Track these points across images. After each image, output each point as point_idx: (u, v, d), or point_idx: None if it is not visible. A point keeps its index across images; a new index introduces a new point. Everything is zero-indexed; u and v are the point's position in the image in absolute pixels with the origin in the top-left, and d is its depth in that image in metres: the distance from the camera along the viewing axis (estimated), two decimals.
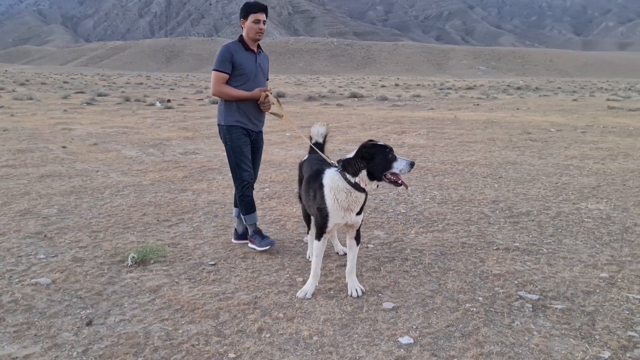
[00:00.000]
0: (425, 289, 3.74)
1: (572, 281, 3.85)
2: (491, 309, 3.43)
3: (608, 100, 25.58)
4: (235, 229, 4.76)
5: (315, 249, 3.62)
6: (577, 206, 5.88)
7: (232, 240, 4.78)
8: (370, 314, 3.37)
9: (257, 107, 4.43)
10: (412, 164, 3.35)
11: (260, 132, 4.64)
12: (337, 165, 3.50)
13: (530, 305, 3.46)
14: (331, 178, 3.44)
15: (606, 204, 5.95)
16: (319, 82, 58.48)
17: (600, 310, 3.40)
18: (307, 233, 4.32)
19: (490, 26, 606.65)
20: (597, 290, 3.69)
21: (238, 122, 4.38)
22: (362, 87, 40.43)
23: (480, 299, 3.58)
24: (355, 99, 26.74)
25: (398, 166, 3.32)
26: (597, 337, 3.06)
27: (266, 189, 6.87)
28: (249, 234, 4.58)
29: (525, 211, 5.69)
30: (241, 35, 4.42)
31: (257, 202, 6.07)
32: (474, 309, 3.41)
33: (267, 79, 4.66)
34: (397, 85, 48.11)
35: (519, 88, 44.27)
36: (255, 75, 4.39)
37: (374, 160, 3.32)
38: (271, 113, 4.56)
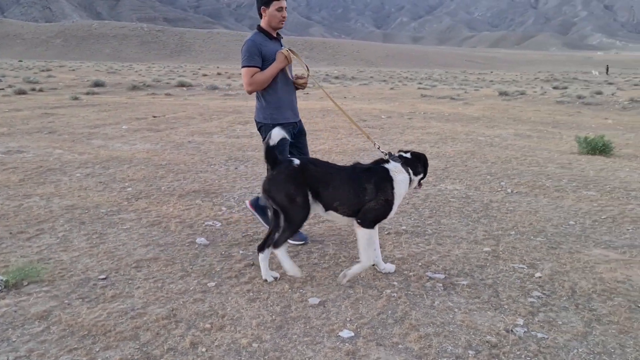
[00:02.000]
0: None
1: (465, 257, 4.21)
2: (409, 292, 3.59)
3: (419, 89, 28.42)
4: (257, 197, 4.58)
5: (374, 235, 3.67)
6: (439, 188, 6.45)
7: (246, 203, 4.75)
8: (300, 311, 3.29)
9: (293, 95, 4.34)
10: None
11: (300, 120, 4.46)
12: (391, 158, 3.78)
13: (441, 285, 3.70)
14: (399, 171, 3.71)
15: (461, 184, 6.62)
16: (134, 70, 54.96)
17: (498, 281, 3.78)
18: (277, 246, 3.63)
19: (300, 17, 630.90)
20: (488, 264, 4.10)
21: (285, 118, 4.19)
22: (183, 76, 39.05)
23: (396, 283, 3.72)
24: (185, 88, 25.75)
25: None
26: (505, 307, 3.40)
27: (128, 188, 6.26)
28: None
29: None
30: (259, 26, 4.22)
31: (123, 203, 5.55)
32: (395, 295, 3.54)
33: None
34: (219, 74, 47.45)
35: (337, 77, 46.88)
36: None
37: (425, 169, 3.94)
38: (300, 85, 4.35)
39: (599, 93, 23.92)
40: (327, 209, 3.65)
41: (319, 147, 9.30)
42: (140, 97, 20.66)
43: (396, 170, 3.70)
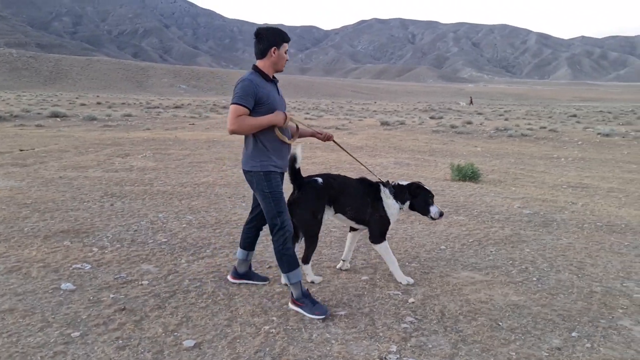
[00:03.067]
0: (219, 318, 3.66)
1: (344, 287, 4.29)
2: (288, 327, 3.57)
3: (306, 119, 29.01)
4: (235, 267, 4.38)
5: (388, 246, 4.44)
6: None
7: (229, 278, 4.40)
8: (174, 356, 3.14)
9: (285, 145, 3.97)
10: (441, 214, 4.55)
11: None
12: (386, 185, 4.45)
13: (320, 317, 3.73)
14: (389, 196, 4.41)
15: None
16: (0, 99, 50.65)
17: (374, 310, 3.88)
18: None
19: (187, 46, 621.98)
20: (365, 293, 4.20)
21: (276, 167, 3.87)
22: (57, 105, 36.60)
23: (275, 318, 3.69)
24: (59, 119, 24.06)
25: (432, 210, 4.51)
26: (381, 334, 3.50)
27: None
28: (295, 296, 3.88)
29: None
30: (257, 66, 3.91)
31: None
32: (274, 330, 3.50)
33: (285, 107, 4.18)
34: (99, 103, 45.13)
35: (224, 107, 46.54)
36: (279, 106, 3.93)
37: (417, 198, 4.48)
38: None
39: (469, 123, 26.02)
40: (336, 212, 4.32)
41: (202, 180, 9.11)
42: (5, 128, 18.99)
43: (386, 193, 4.38)
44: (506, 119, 32.19)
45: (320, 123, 25.52)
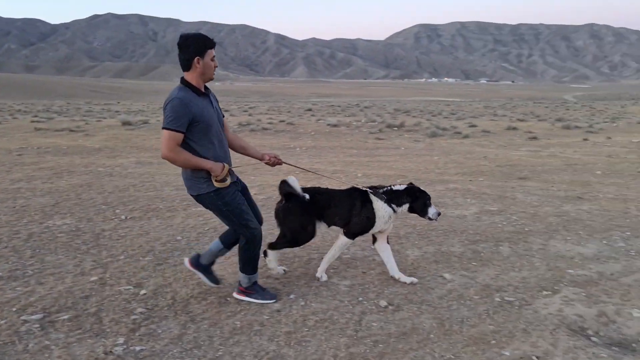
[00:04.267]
0: None
1: (69, 291, 4.06)
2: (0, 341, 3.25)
3: (33, 122, 25.90)
4: (199, 254, 4.10)
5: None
6: (46, 225, 6.01)
7: (186, 262, 4.09)
8: None
9: (228, 152, 3.87)
10: (439, 214, 4.44)
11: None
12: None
13: (38, 325, 3.48)
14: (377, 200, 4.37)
15: (71, 218, 6.33)
16: None
17: (102, 308, 3.78)
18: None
19: None
20: (93, 293, 4.05)
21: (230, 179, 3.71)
22: None
23: None
24: None
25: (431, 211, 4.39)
26: (108, 330, 3.44)
27: None
28: (244, 286, 3.96)
29: None
30: (184, 79, 3.57)
31: None
32: None
33: (223, 116, 3.91)
34: None
35: None
36: (214, 121, 3.64)
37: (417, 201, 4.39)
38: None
39: None
40: (329, 225, 4.42)
41: None
42: None
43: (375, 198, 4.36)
44: (250, 115, 33.77)
45: (52, 126, 23.13)
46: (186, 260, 4.12)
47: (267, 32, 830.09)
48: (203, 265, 4.07)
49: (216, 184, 3.62)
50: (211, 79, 3.68)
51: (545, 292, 4.28)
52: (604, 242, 5.79)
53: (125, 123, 22.89)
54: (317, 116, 32.46)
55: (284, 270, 4.65)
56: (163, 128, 3.45)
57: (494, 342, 3.41)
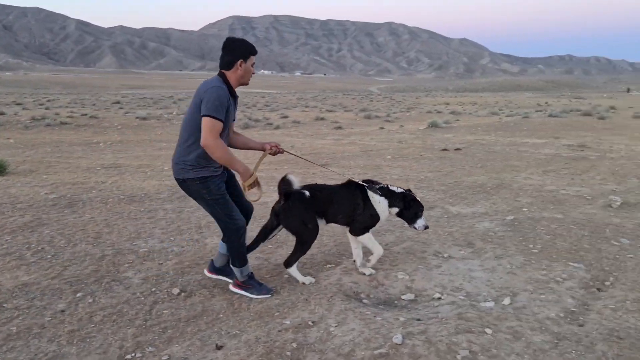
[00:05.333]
0: None
1: None
2: None
3: None
4: (213, 260, 4.20)
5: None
6: None
7: (206, 272, 4.23)
8: None
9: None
10: (426, 227, 4.44)
11: None
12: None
13: None
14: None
15: None
16: None
17: None
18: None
19: None
20: None
21: (214, 170, 3.68)
22: None
23: None
24: None
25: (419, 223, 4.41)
26: None
27: None
28: (240, 280, 3.94)
29: None
30: (225, 75, 3.63)
31: None
32: None
33: (234, 120, 3.83)
34: None
35: None
36: (229, 124, 3.72)
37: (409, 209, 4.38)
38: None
39: (2, 113, 23.58)
40: (328, 222, 4.36)
41: None
42: None
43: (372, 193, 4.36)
44: (47, 108, 30.65)
45: None
46: (205, 271, 4.26)
47: (66, 17, 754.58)
48: (218, 268, 4.21)
49: (246, 189, 3.76)
50: (246, 84, 3.80)
51: (329, 265, 4.76)
52: None
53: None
54: (126, 109, 30.81)
55: (313, 278, 4.39)
56: (207, 115, 3.44)
57: (277, 314, 3.72)
